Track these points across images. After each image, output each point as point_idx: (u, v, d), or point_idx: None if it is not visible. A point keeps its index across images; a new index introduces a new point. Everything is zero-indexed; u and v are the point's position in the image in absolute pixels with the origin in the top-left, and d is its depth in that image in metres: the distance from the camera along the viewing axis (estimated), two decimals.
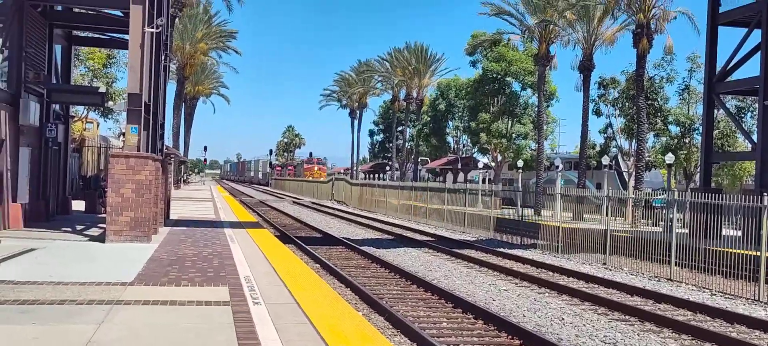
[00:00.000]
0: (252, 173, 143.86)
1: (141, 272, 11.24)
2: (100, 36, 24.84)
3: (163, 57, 19.98)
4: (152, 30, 15.68)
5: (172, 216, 24.53)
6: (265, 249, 15.42)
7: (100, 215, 21.89)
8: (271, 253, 14.72)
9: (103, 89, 24.42)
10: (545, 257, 22.87)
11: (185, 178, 79.61)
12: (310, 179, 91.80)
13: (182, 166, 70.10)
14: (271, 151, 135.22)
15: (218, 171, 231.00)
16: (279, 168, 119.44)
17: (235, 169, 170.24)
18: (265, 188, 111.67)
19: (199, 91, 77.71)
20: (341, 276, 16.28)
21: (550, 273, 19.03)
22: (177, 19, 44.95)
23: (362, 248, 22.88)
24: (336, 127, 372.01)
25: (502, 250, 23.88)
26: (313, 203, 61.49)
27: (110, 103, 35.30)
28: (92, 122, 38.76)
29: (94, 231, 17.35)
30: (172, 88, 63.08)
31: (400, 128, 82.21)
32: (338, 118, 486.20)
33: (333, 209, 51.60)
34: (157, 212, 17.71)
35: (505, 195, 42.19)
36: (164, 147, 22.47)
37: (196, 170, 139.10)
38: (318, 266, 18.46)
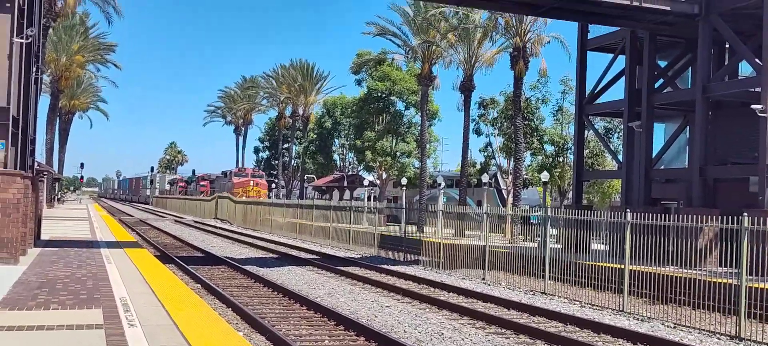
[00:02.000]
0: (148, 192, 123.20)
1: (6, 296, 10.66)
2: None
3: (34, 69, 19.08)
4: (21, 40, 14.98)
5: (44, 236, 23.37)
6: (144, 269, 14.97)
7: None
8: (150, 273, 14.31)
9: None
10: (427, 272, 23.34)
11: (59, 196, 75.80)
12: (234, 197, 66.45)
13: (56, 183, 66.75)
14: (152, 169, 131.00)
15: (96, 189, 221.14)
16: (206, 183, 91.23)
17: (127, 186, 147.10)
18: (147, 206, 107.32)
19: (75, 105, 74.45)
20: (223, 296, 16.01)
21: (432, 289, 19.45)
22: (51, 30, 42.97)
23: (245, 267, 22.59)
24: (220, 144, 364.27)
25: (385, 267, 24.18)
26: (196, 221, 60.04)
27: None
28: None
29: None
30: (45, 101, 60.03)
31: (286, 145, 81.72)
32: (223, 135, 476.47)
33: (216, 227, 50.58)
34: (25, 232, 16.83)
35: (389, 212, 42.76)
36: (35, 163, 21.40)
37: (72, 188, 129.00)
38: (199, 286, 18.07)
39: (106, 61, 65.41)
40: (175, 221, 60.72)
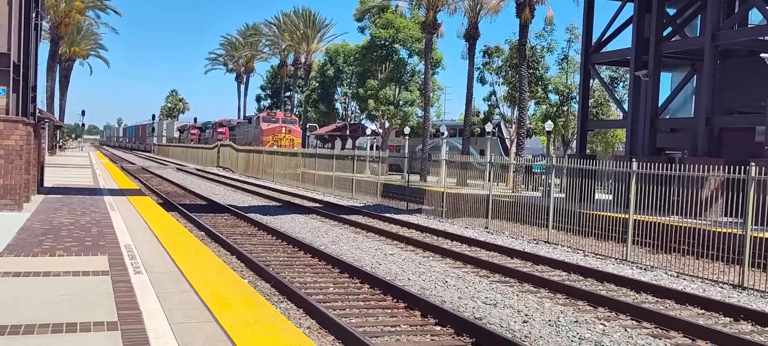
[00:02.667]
0: (155, 139, 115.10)
1: (11, 242, 10.66)
2: None
3: (34, 14, 18.83)
4: None
5: (47, 183, 23.36)
6: (148, 217, 14.97)
7: None
8: (154, 221, 14.31)
9: None
10: (430, 221, 23.37)
11: (61, 144, 75.80)
12: (262, 149, 54.94)
13: (58, 131, 66.67)
14: (153, 116, 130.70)
15: (98, 137, 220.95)
16: (225, 130, 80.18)
17: (133, 133, 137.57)
18: (149, 154, 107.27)
19: (75, 52, 73.96)
20: (227, 244, 16.05)
21: (435, 237, 19.49)
22: None
23: (249, 215, 22.62)
24: (222, 92, 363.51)
25: (388, 215, 24.21)
26: (198, 169, 60.09)
27: None
28: None
29: None
30: (45, 48, 59.64)
31: (288, 94, 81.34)
32: (224, 83, 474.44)
33: (219, 175, 50.63)
34: (28, 179, 16.81)
35: (392, 161, 42.72)
36: (37, 111, 21.28)
37: (74, 136, 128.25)
38: (203, 233, 18.11)
39: (105, 7, 64.75)
40: (177, 169, 60.78)
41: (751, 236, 13.79)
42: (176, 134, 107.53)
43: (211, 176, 49.09)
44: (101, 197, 19.83)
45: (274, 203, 29.17)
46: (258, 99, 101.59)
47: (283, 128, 60.95)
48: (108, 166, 44.71)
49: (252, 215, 22.56)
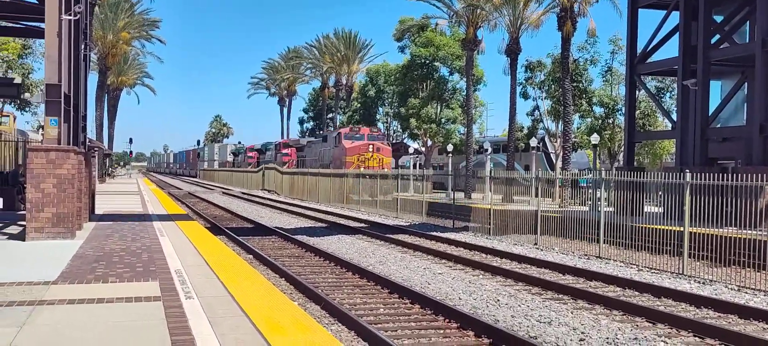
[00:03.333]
0: (206, 164, 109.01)
1: (65, 269, 10.78)
2: (13, 25, 23.71)
3: (82, 46, 19.22)
4: (70, 17, 15.04)
5: (98, 211, 23.75)
6: (196, 241, 15.06)
7: (20, 212, 20.99)
8: (202, 245, 14.38)
9: (18, 80, 23.37)
10: (477, 239, 23.11)
11: (110, 171, 77.33)
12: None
13: (107, 159, 68.06)
14: (198, 142, 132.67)
15: (145, 163, 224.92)
16: (291, 151, 69.09)
17: (183, 159, 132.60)
18: (195, 179, 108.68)
19: (122, 81, 75.58)
20: (275, 266, 16.05)
21: (483, 255, 19.23)
22: (97, 7, 43.45)
23: (295, 236, 22.65)
24: (265, 115, 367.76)
25: (435, 234, 24.01)
26: (243, 193, 60.67)
27: (27, 94, 33.91)
28: (8, 116, 37.16)
29: (14, 229, 16.60)
30: (93, 79, 61.07)
31: (330, 115, 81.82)
32: (267, 107, 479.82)
33: (264, 198, 51.00)
34: (80, 206, 17.07)
35: (436, 179, 42.48)
36: (87, 140, 21.68)
37: (122, 163, 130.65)
38: (250, 256, 18.17)
39: (150, 37, 66.13)
40: (223, 192, 61.47)
41: None
42: (230, 158, 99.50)
43: (257, 199, 49.49)
44: (150, 222, 20.06)
45: (319, 225, 29.21)
46: (301, 122, 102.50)
47: (371, 146, 50.06)
48: (156, 192, 45.42)
49: (299, 237, 22.59)
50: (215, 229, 24.97)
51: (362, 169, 43.63)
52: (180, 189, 67.26)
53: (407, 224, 29.13)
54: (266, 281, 10.39)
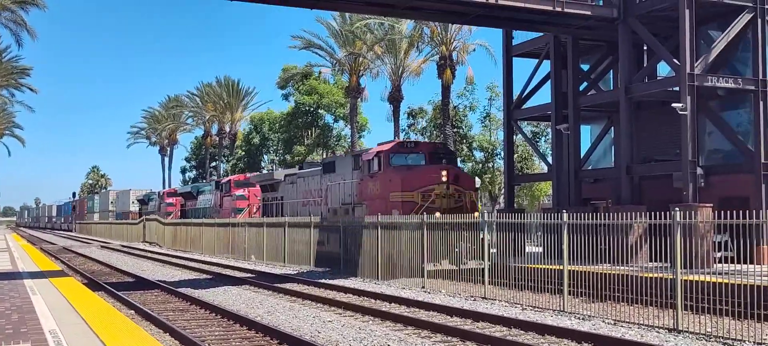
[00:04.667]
0: (97, 216, 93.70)
1: None
2: None
3: None
4: None
5: None
6: (73, 299, 14.31)
7: None
8: (80, 302, 13.68)
9: None
10: (366, 284, 23.17)
11: None
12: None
13: None
14: (74, 194, 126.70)
15: (14, 218, 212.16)
16: (245, 193, 46.63)
17: (68, 211, 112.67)
18: (70, 233, 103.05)
19: None
20: (158, 321, 15.44)
21: (373, 300, 19.28)
22: None
23: (180, 289, 21.93)
24: (145, 165, 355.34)
25: (323, 281, 23.88)
26: (123, 246, 58.25)
27: None
28: None
29: None
30: None
31: (213, 164, 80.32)
32: (147, 156, 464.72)
33: (145, 251, 49.14)
34: None
35: (328, 226, 42.21)
36: None
37: None
38: (132, 312, 17.40)
39: (20, 85, 62.99)
40: (102, 246, 58.78)
41: (681, 280, 14.16)
42: (133, 207, 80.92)
43: (138, 252, 47.61)
44: (21, 280, 18.90)
45: (205, 276, 28.42)
46: (183, 170, 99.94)
47: (443, 174, 30.71)
48: (27, 249, 42.86)
49: (183, 290, 21.88)
50: (93, 285, 23.78)
51: (435, 199, 25.38)
52: (54, 244, 63.77)
53: (295, 272, 28.84)
54: (149, 336, 10.00)
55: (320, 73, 55.47)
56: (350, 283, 23.66)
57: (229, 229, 41.85)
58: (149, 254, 44.35)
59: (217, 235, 43.43)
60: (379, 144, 28.94)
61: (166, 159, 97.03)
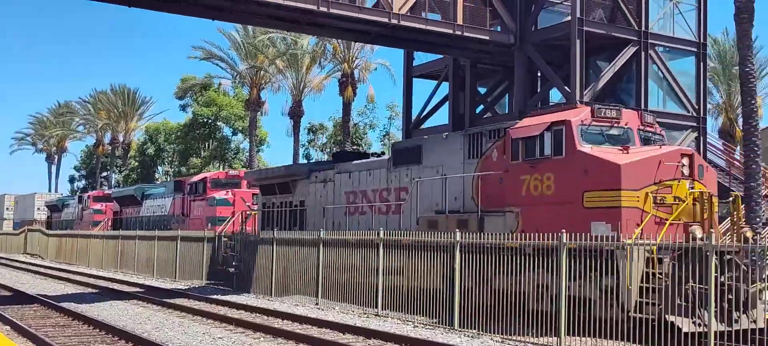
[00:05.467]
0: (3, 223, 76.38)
1: None
2: None
3: None
4: None
5: None
6: None
7: None
8: None
9: None
10: (259, 301, 22.85)
11: None
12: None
13: None
14: None
15: None
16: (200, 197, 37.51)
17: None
18: None
19: None
20: (36, 337, 14.67)
21: (265, 317, 19.01)
22: None
23: (62, 304, 20.91)
24: (30, 174, 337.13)
25: (216, 297, 23.38)
26: (1, 258, 55.17)
27: None
28: None
29: None
30: None
31: (105, 174, 77.40)
32: (33, 164, 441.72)
33: (26, 263, 46.71)
34: None
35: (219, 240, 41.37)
36: None
37: None
38: (8, 328, 16.46)
39: None
40: None
41: (564, 297, 14.62)
42: (40, 215, 67.91)
43: (17, 265, 45.17)
44: None
45: (90, 290, 27.25)
46: (71, 179, 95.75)
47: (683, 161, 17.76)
48: None
49: (65, 304, 20.87)
50: None
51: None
52: None
53: (186, 287, 28.10)
54: None
55: (220, 84, 54.68)
56: (243, 299, 23.27)
57: (118, 241, 40.38)
58: (30, 267, 42.20)
59: (106, 247, 41.82)
60: (541, 109, 20.02)
61: (54, 167, 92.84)
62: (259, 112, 47.04)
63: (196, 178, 38.84)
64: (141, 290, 26.99)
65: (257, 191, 30.52)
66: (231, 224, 30.75)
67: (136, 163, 70.02)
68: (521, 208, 16.79)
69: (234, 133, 58.60)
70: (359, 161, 24.42)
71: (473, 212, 18.29)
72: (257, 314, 19.55)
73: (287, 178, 27.23)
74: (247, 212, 30.56)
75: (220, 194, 34.65)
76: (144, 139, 71.08)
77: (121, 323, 17.50)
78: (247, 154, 49.07)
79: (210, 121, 56.06)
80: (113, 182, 72.67)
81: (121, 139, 72.47)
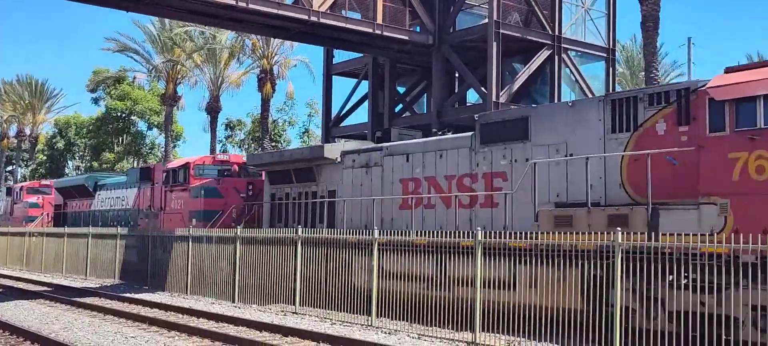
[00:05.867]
0: None
1: None
2: None
3: None
4: None
5: None
6: None
7: None
8: None
9: None
10: (174, 299, 22.43)
11: None
12: None
13: None
14: None
15: None
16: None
17: None
18: None
19: None
20: None
21: (180, 315, 18.69)
22: None
23: None
24: None
25: (129, 295, 22.81)
26: None
27: None
28: None
29: None
30: None
31: (10, 168, 74.13)
32: None
33: None
34: None
35: (133, 238, 40.31)
36: None
37: None
38: None
39: None
40: None
41: (480, 298, 14.95)
42: None
43: None
44: None
45: None
46: None
47: None
48: None
49: None
50: None
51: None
52: None
53: (98, 286, 27.30)
54: None
55: (135, 78, 53.23)
56: (157, 297, 22.80)
57: (24, 237, 38.81)
58: None
59: (9, 243, 40.13)
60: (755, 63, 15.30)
61: None
62: (175, 107, 46.09)
63: (174, 163, 33.53)
64: (49, 288, 26.07)
65: (253, 179, 27.59)
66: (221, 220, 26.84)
67: (45, 158, 67.39)
68: (732, 197, 11.94)
69: (149, 128, 57.24)
70: (421, 140, 20.27)
71: (628, 203, 13.83)
72: (172, 313, 19.20)
73: (310, 162, 22.67)
74: (242, 205, 27.04)
75: (207, 183, 29.60)
76: (53, 133, 68.48)
77: (27, 323, 16.89)
78: (163, 149, 47.96)
79: (124, 115, 54.51)
80: (18, 177, 69.68)
81: (28, 132, 69.59)
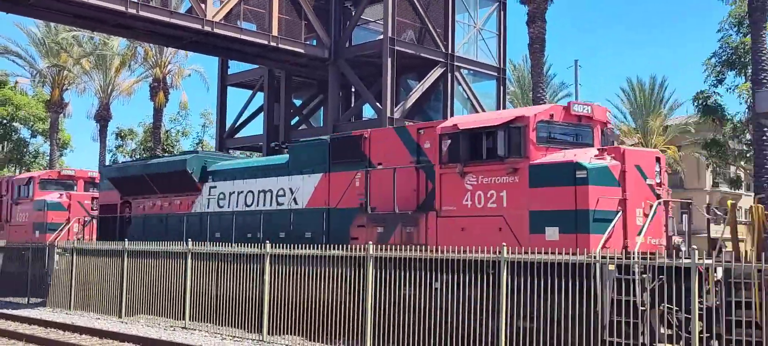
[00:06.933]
0: None
1: None
2: None
3: None
4: None
5: None
6: None
7: None
8: None
9: None
10: (56, 315, 21.50)
11: None
12: None
13: None
14: None
15: None
16: None
17: None
18: None
19: None
20: None
21: (61, 332, 17.97)
22: None
23: None
24: None
25: (5, 311, 21.69)
26: None
27: None
28: None
29: None
30: None
31: None
32: None
33: None
34: None
35: (13, 249, 38.28)
36: None
37: None
38: None
39: None
40: None
41: (371, 313, 15.14)
42: None
43: None
44: None
45: None
46: None
47: None
48: None
49: None
50: None
51: None
52: None
53: None
54: None
55: (17, 83, 50.62)
56: (37, 313, 21.79)
57: None
58: None
59: None
60: None
61: None
62: (61, 114, 44.22)
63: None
64: None
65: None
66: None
67: None
68: None
69: (33, 136, 54.55)
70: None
71: None
72: (52, 329, 18.41)
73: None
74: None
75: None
76: None
77: None
78: (48, 158, 45.84)
79: (5, 121, 51.76)
80: None
81: None
